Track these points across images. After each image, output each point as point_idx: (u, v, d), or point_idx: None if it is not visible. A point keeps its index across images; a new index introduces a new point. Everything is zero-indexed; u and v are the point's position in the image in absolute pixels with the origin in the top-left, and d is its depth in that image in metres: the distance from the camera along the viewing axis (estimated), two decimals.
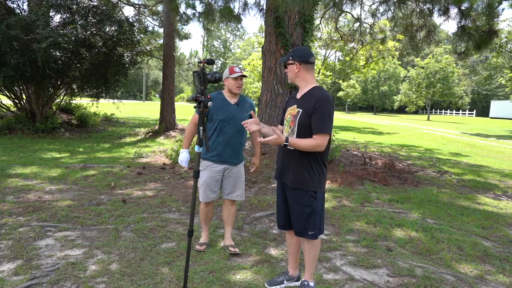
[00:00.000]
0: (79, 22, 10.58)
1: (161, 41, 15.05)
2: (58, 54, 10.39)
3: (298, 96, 2.47)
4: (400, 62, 51.93)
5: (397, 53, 21.54)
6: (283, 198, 2.55)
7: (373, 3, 11.17)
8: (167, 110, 13.02)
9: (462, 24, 7.93)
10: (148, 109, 28.10)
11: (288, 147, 2.33)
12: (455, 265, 3.17)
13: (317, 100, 2.29)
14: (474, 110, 54.46)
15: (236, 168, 3.22)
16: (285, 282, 2.69)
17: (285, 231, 2.69)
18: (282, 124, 2.60)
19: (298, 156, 2.37)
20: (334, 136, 9.17)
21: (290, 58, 2.42)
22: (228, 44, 76.44)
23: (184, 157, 3.11)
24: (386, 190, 5.79)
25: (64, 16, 10.72)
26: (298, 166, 2.38)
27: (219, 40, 75.73)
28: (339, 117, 36.99)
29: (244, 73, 3.14)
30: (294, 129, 2.37)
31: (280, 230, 2.79)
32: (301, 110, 2.35)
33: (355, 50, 23.29)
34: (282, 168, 2.50)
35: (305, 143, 2.27)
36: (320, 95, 2.31)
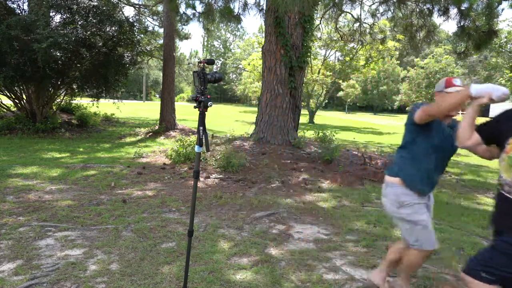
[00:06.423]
0: (79, 22, 10.57)
1: (161, 41, 15.05)
2: (58, 54, 10.38)
3: None
4: (398, 62, 51.92)
5: (397, 53, 21.54)
6: None
7: (373, 3, 11.18)
8: (167, 110, 13.02)
9: (461, 24, 7.95)
10: (148, 109, 28.09)
11: None
12: (455, 265, 3.17)
13: None
14: None
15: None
16: None
17: None
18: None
19: None
20: (334, 136, 9.16)
21: None
22: (228, 44, 76.38)
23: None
24: None
25: (64, 16, 10.71)
26: None
27: (219, 40, 75.67)
28: (339, 117, 36.99)
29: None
30: None
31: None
32: None
33: (355, 50, 23.31)
34: None
35: None
36: None
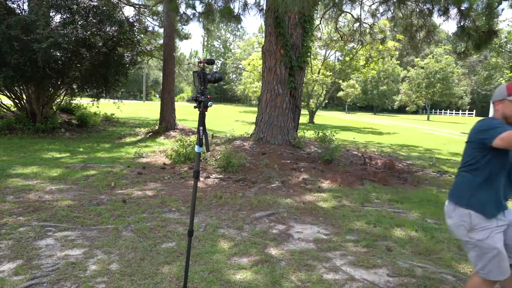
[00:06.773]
0: (79, 22, 10.58)
1: (161, 41, 15.05)
2: (58, 54, 10.39)
3: None
4: (398, 62, 51.97)
5: (397, 53, 21.56)
6: None
7: (373, 3, 11.17)
8: (167, 110, 13.03)
9: (461, 24, 7.94)
10: (148, 109, 28.09)
11: None
12: (455, 265, 3.17)
13: None
14: (474, 110, 54.47)
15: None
16: None
17: None
18: None
19: None
20: (334, 136, 9.17)
21: None
22: (228, 44, 76.37)
23: None
24: (386, 190, 5.79)
25: (64, 16, 10.72)
26: None
27: (219, 40, 75.66)
28: (339, 117, 37.01)
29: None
30: None
31: None
32: None
33: (355, 50, 23.31)
34: None
35: None
36: None
